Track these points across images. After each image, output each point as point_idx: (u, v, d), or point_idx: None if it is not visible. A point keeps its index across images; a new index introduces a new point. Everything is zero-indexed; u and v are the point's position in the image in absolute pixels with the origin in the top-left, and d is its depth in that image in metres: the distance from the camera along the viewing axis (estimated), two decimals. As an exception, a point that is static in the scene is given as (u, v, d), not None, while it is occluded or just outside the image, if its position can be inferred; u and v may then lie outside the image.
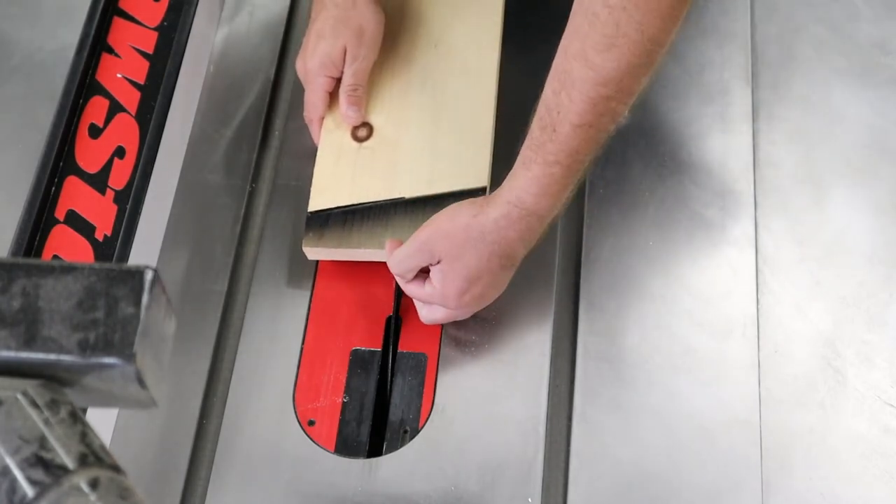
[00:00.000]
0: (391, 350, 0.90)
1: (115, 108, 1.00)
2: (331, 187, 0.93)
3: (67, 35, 1.05)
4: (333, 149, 0.95)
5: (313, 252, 0.92)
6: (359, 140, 0.95)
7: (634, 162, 0.98)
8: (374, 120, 0.97)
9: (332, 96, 0.97)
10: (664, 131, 1.00)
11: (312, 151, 0.98)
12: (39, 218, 0.94)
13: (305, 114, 0.98)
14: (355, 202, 0.92)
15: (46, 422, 0.49)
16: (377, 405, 0.88)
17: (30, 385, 0.50)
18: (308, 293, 0.93)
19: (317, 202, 0.93)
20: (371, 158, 0.94)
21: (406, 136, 0.95)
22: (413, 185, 0.92)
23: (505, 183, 0.83)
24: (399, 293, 0.91)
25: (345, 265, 0.94)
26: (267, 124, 1.03)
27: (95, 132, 0.99)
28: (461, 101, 0.96)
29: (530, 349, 0.89)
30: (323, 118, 0.97)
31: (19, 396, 0.49)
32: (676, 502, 0.83)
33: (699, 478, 0.84)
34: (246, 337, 0.91)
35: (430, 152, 0.94)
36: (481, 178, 0.91)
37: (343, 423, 0.87)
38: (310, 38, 0.96)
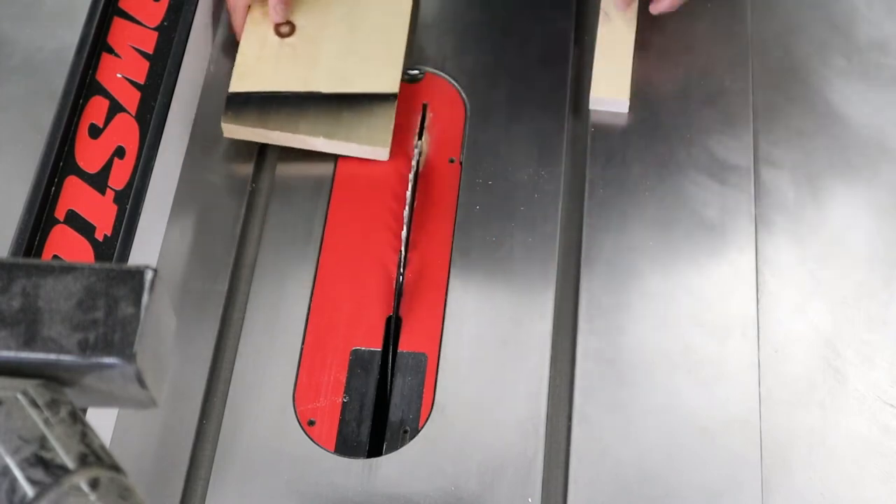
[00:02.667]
0: (391, 350, 0.91)
1: (115, 108, 1.00)
2: (252, 74, 1.01)
3: (67, 35, 1.04)
4: (257, 39, 1.03)
5: (230, 129, 0.98)
6: (281, 35, 1.03)
7: (634, 162, 0.98)
8: (297, 20, 1.04)
9: None
10: (664, 131, 1.00)
11: (312, 152, 0.98)
12: (39, 218, 0.94)
13: (229, 1, 1.03)
14: (274, 90, 0.99)
15: (46, 422, 0.49)
16: (377, 405, 0.89)
17: (30, 385, 0.50)
18: (308, 293, 0.93)
19: (238, 85, 1.00)
20: (292, 53, 1.02)
21: (325, 38, 1.03)
22: (330, 81, 1.00)
23: None
24: (399, 293, 0.91)
25: (345, 266, 0.94)
26: (267, 124, 1.03)
27: (95, 132, 0.99)
28: (378, 14, 1.04)
29: (530, 349, 0.89)
30: (248, 6, 1.03)
31: (19, 396, 0.49)
32: (676, 502, 0.83)
33: (699, 478, 0.84)
34: (246, 337, 0.91)
35: (347, 55, 1.02)
36: (393, 85, 1.00)
37: (343, 423, 0.87)
38: None
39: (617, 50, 1.01)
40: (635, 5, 1.04)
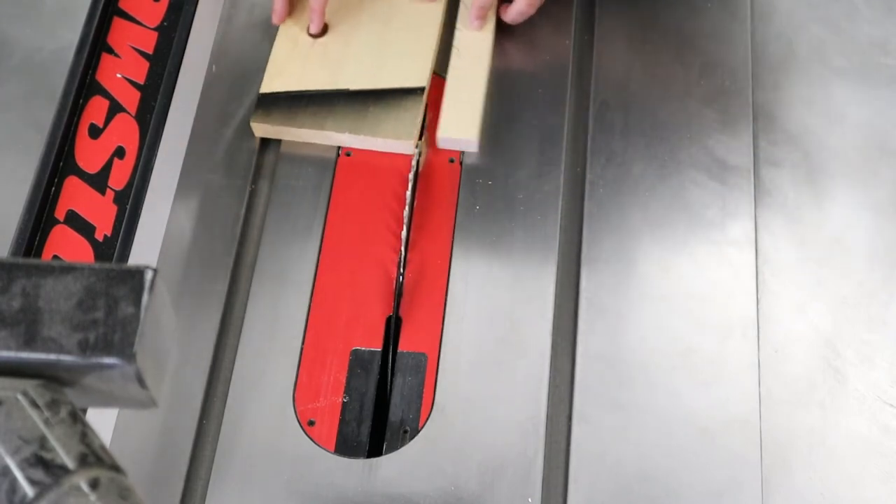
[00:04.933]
0: (391, 350, 0.91)
1: (115, 108, 1.00)
2: (282, 74, 1.02)
3: (67, 35, 1.05)
4: (289, 39, 1.05)
5: (260, 129, 1.01)
6: (314, 37, 1.05)
7: (634, 162, 0.98)
8: (331, 20, 1.06)
9: None
10: (664, 131, 1.00)
11: (312, 152, 0.99)
12: (39, 218, 0.94)
13: None
14: (303, 89, 1.01)
15: (46, 422, 0.49)
16: (377, 405, 0.89)
17: (30, 385, 0.50)
18: (308, 293, 0.93)
19: (268, 86, 1.02)
20: (323, 53, 1.04)
21: (357, 37, 1.05)
22: (358, 78, 1.02)
23: None
24: (399, 293, 0.91)
25: (345, 266, 0.94)
26: (267, 124, 1.03)
27: (95, 132, 0.99)
28: (411, 11, 1.06)
29: (530, 349, 0.89)
30: None
31: (19, 396, 0.49)
32: (676, 502, 0.83)
33: (699, 478, 0.84)
34: (246, 337, 0.91)
35: (377, 52, 1.04)
36: (422, 79, 1.01)
37: (343, 423, 0.88)
38: None
39: (468, 87, 1.01)
40: (491, 25, 1.03)
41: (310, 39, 1.04)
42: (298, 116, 1.00)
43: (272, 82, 1.02)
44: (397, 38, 1.04)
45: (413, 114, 0.99)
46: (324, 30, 1.05)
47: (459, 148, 0.99)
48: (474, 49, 1.03)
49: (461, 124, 0.99)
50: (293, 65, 1.03)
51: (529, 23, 1.05)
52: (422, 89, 1.01)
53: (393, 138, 0.98)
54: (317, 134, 0.99)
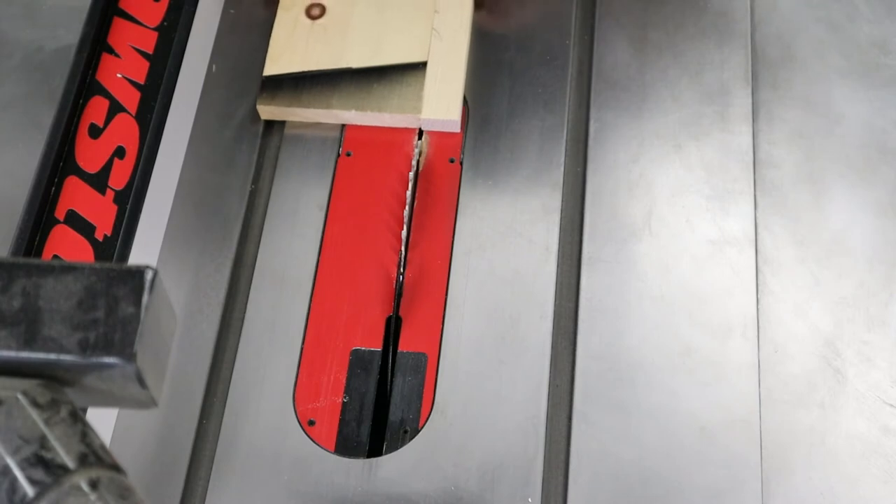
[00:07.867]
0: (391, 350, 0.91)
1: (115, 108, 1.00)
2: (285, 56, 1.04)
3: (67, 35, 1.05)
4: (288, 24, 1.06)
5: (266, 111, 1.02)
6: (312, 18, 1.06)
7: (634, 162, 0.98)
8: (327, 2, 1.07)
9: None
10: (664, 131, 1.00)
11: (312, 150, 0.99)
12: (39, 218, 0.94)
13: None
14: (306, 69, 1.03)
15: (47, 422, 0.49)
16: (377, 405, 0.89)
17: (30, 385, 0.50)
18: (308, 293, 0.93)
19: (271, 68, 1.03)
20: (323, 33, 1.05)
21: (356, 16, 1.06)
22: (360, 56, 1.04)
23: None
24: (399, 293, 0.91)
25: (345, 266, 0.94)
26: (267, 124, 1.03)
27: (95, 132, 0.99)
28: None
29: (530, 349, 0.89)
30: None
31: (20, 396, 0.49)
32: (676, 502, 0.83)
33: (699, 478, 0.84)
34: (246, 337, 0.92)
35: (377, 30, 1.05)
36: (423, 54, 1.03)
37: (343, 423, 0.88)
38: None
39: (448, 70, 1.02)
40: (468, 6, 1.05)
41: (309, 22, 1.06)
42: (304, 96, 1.02)
43: (275, 65, 1.03)
44: (395, 15, 1.06)
45: (416, 88, 1.01)
46: (321, 12, 1.06)
47: (442, 129, 1.01)
48: (453, 31, 1.05)
49: (443, 105, 1.01)
50: (295, 46, 1.04)
51: (529, 22, 1.05)
52: (423, 63, 1.02)
53: (399, 113, 1.00)
54: (323, 113, 1.01)
